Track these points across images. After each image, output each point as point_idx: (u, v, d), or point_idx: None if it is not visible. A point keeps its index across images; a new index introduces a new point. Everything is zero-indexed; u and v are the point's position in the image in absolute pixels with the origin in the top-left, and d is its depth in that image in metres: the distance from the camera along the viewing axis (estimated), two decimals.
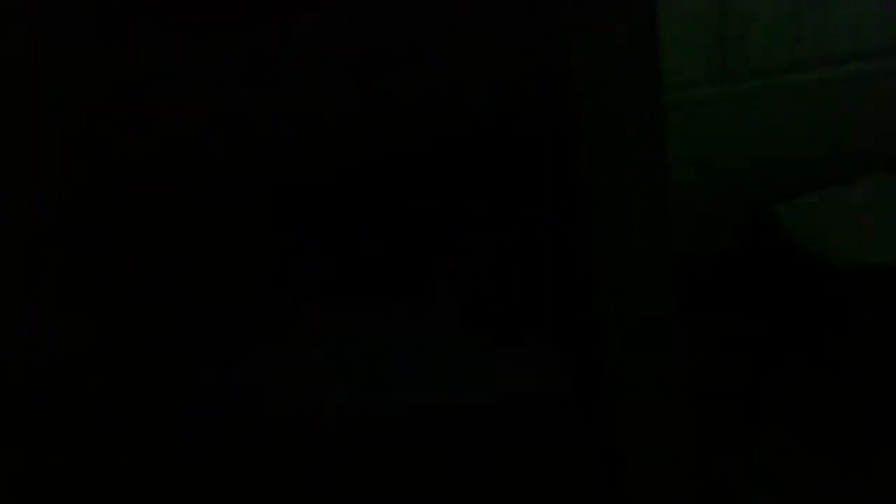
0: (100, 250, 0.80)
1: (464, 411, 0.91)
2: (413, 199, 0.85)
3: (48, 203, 0.78)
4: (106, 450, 0.85)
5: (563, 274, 0.91)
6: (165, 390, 0.86)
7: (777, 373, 1.59)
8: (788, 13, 1.73)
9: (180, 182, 0.80)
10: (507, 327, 0.91)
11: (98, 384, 0.83)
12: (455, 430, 0.91)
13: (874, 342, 1.58)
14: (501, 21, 0.80)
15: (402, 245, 0.87)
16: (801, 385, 1.56)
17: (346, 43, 0.79)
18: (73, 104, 0.75)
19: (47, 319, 0.81)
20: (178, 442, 0.86)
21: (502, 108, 0.84)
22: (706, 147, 1.78)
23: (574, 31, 0.73)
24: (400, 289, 0.89)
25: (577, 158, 0.83)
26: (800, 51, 1.75)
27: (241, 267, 0.85)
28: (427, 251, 0.88)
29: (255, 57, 0.77)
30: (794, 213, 1.64)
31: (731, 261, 1.86)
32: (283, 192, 0.83)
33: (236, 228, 0.83)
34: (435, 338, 0.89)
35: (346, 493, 0.91)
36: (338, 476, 0.91)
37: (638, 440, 0.91)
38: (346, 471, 0.91)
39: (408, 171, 0.85)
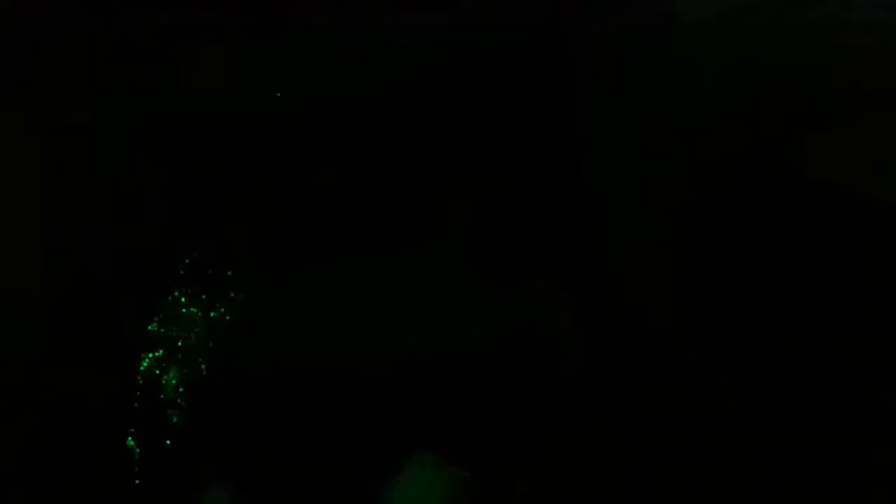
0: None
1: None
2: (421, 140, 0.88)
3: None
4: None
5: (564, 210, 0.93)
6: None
7: (790, 310, 1.58)
8: None
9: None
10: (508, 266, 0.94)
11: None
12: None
13: (891, 273, 1.56)
14: None
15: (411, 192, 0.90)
16: (816, 323, 1.55)
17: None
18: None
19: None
20: None
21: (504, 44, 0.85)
22: (720, 75, 1.74)
23: None
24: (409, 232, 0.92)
25: (578, 92, 0.84)
26: None
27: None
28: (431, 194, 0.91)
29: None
30: (809, 146, 1.61)
31: (741, 194, 1.83)
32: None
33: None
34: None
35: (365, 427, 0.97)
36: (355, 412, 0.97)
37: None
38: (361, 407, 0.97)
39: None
